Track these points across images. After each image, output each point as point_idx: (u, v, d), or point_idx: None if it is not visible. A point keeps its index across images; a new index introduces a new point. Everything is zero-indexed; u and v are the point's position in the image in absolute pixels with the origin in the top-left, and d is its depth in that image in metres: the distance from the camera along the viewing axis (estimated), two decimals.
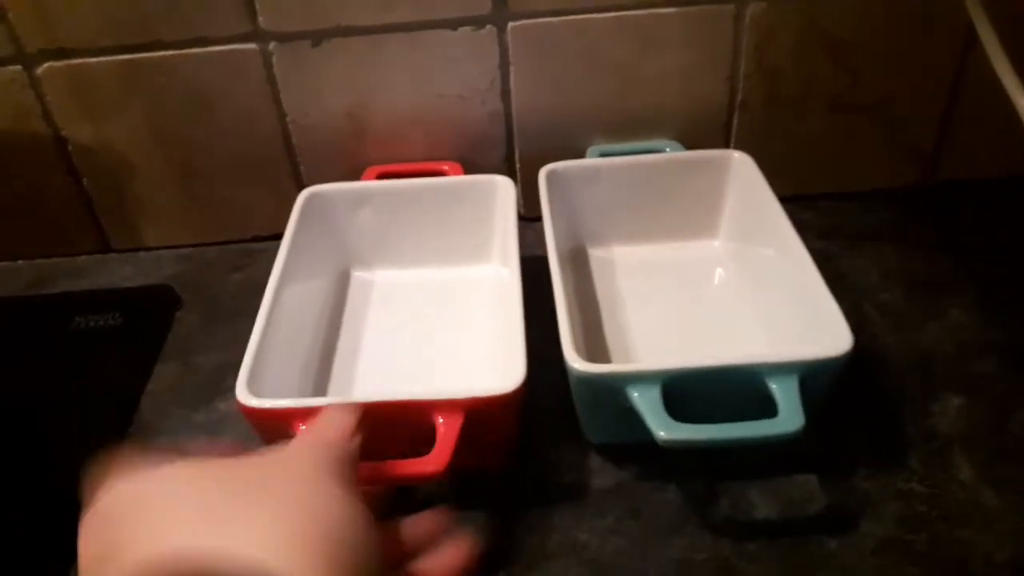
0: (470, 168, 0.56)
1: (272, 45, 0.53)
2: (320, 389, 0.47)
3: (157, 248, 0.62)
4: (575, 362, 0.39)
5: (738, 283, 0.52)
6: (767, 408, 0.37)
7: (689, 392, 0.37)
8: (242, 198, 0.59)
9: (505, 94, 0.55)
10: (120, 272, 0.60)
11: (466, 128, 0.57)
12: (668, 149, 0.56)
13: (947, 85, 0.56)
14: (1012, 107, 0.43)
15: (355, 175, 0.57)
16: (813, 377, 0.38)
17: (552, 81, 0.55)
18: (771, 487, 0.41)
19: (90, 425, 0.48)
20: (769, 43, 0.53)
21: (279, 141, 0.57)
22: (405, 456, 0.36)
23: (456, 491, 0.41)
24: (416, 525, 0.33)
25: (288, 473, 0.29)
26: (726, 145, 0.58)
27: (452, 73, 0.54)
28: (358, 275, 0.55)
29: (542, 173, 0.52)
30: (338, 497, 0.28)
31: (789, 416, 0.36)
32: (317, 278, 0.52)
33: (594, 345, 0.47)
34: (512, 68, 0.54)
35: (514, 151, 0.58)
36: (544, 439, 0.37)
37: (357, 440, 0.32)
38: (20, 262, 0.62)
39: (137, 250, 0.62)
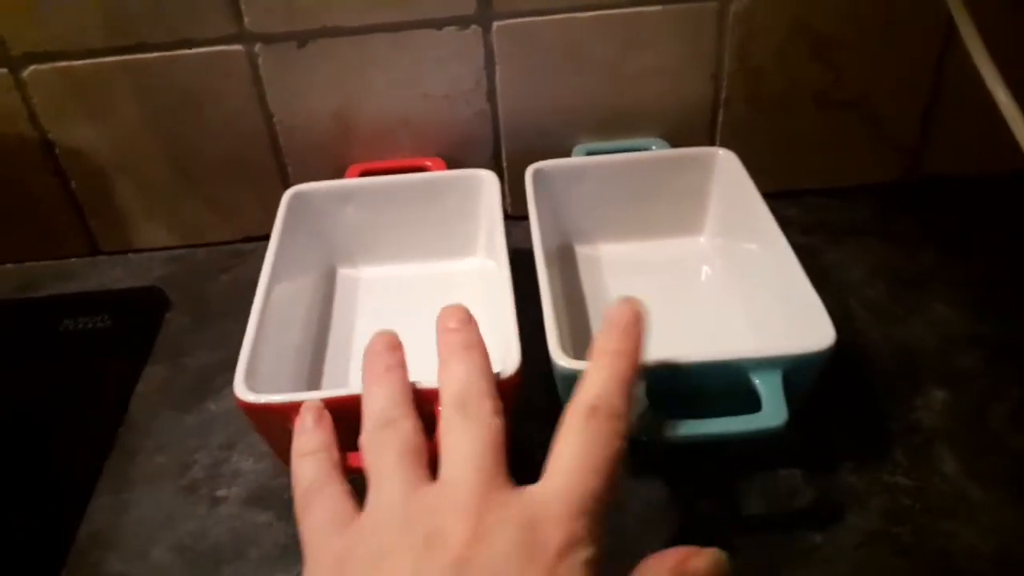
0: (456, 167, 0.56)
1: (258, 46, 0.53)
2: (314, 383, 0.47)
3: (146, 250, 0.62)
4: (560, 359, 0.39)
5: (724, 279, 0.52)
6: (752, 403, 0.37)
7: (673, 388, 0.38)
8: (230, 199, 0.59)
9: (491, 94, 0.55)
10: (109, 274, 0.60)
11: (452, 128, 0.57)
12: (654, 147, 0.56)
13: (928, 81, 0.56)
14: (993, 102, 0.44)
15: (342, 175, 0.57)
16: (797, 372, 0.38)
17: (538, 80, 0.55)
18: (756, 481, 0.42)
19: (80, 427, 0.48)
20: (752, 41, 0.54)
21: (266, 142, 0.57)
22: None
23: None
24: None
25: None
26: (711, 142, 0.58)
27: (438, 73, 0.54)
28: (344, 272, 0.55)
29: (528, 172, 0.52)
30: None
31: (773, 411, 0.36)
32: (304, 276, 0.52)
33: (580, 342, 0.47)
34: (498, 68, 0.54)
35: (501, 150, 0.58)
36: (529, 434, 0.37)
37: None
38: (8, 265, 0.62)
39: (126, 252, 0.62)
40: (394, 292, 0.54)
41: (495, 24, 0.52)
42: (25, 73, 0.53)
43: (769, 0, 0.52)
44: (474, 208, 0.53)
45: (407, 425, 0.34)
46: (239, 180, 0.58)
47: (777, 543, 0.39)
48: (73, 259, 0.62)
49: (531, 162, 0.53)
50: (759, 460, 0.42)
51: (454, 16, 0.52)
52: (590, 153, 0.55)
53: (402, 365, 0.38)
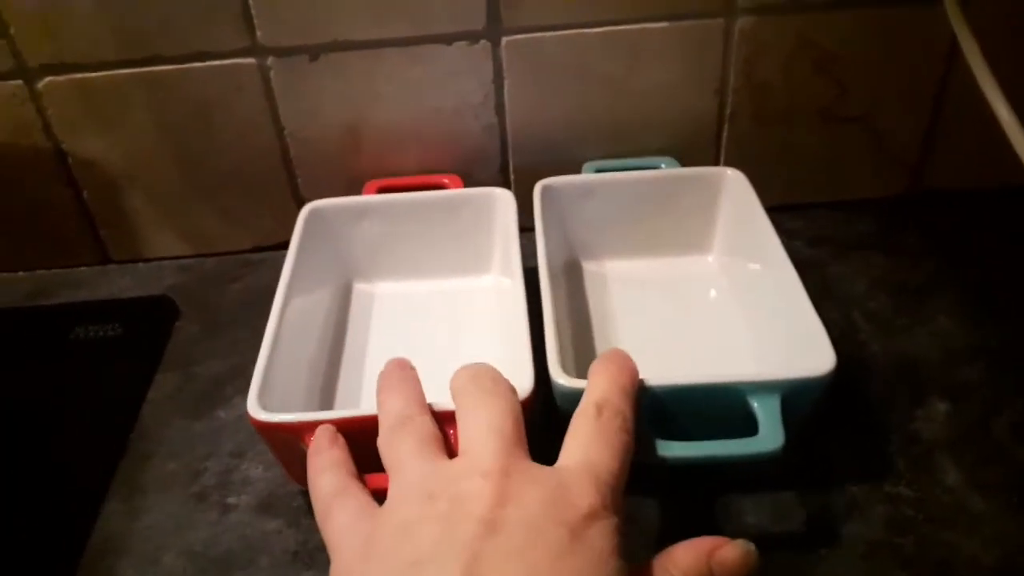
0: (464, 179, 0.57)
1: (270, 60, 0.53)
2: (327, 401, 0.47)
3: (156, 259, 0.62)
4: (560, 377, 0.39)
5: (729, 298, 0.52)
6: (750, 425, 0.37)
7: (670, 408, 0.38)
8: (240, 210, 0.60)
9: (499, 107, 0.56)
10: (119, 283, 0.61)
11: (461, 141, 0.57)
12: (663, 165, 0.56)
13: (931, 97, 0.57)
14: (994, 118, 0.44)
15: (352, 187, 0.57)
16: (795, 396, 0.38)
17: (545, 95, 0.56)
18: (759, 494, 0.42)
19: (92, 434, 0.49)
20: (758, 57, 0.55)
21: (277, 154, 0.58)
22: None
23: None
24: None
25: None
26: (717, 156, 0.59)
27: (447, 87, 0.55)
28: (360, 287, 0.55)
29: (537, 188, 0.52)
30: None
31: (769, 435, 0.36)
32: (320, 291, 0.52)
33: (584, 361, 0.46)
34: (506, 82, 0.55)
35: (508, 163, 0.59)
36: (532, 452, 0.36)
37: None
38: (20, 273, 0.62)
39: (136, 261, 0.62)
40: (409, 308, 0.54)
41: (504, 39, 0.53)
42: (40, 85, 0.54)
43: (774, 17, 0.53)
44: (489, 225, 0.53)
45: (424, 419, 0.35)
46: (249, 191, 0.59)
47: (781, 554, 0.39)
48: (83, 268, 0.62)
49: (538, 174, 0.53)
50: (761, 469, 0.42)
51: (464, 31, 0.53)
52: (600, 170, 0.55)
53: (416, 379, 0.38)
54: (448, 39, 0.53)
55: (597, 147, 0.58)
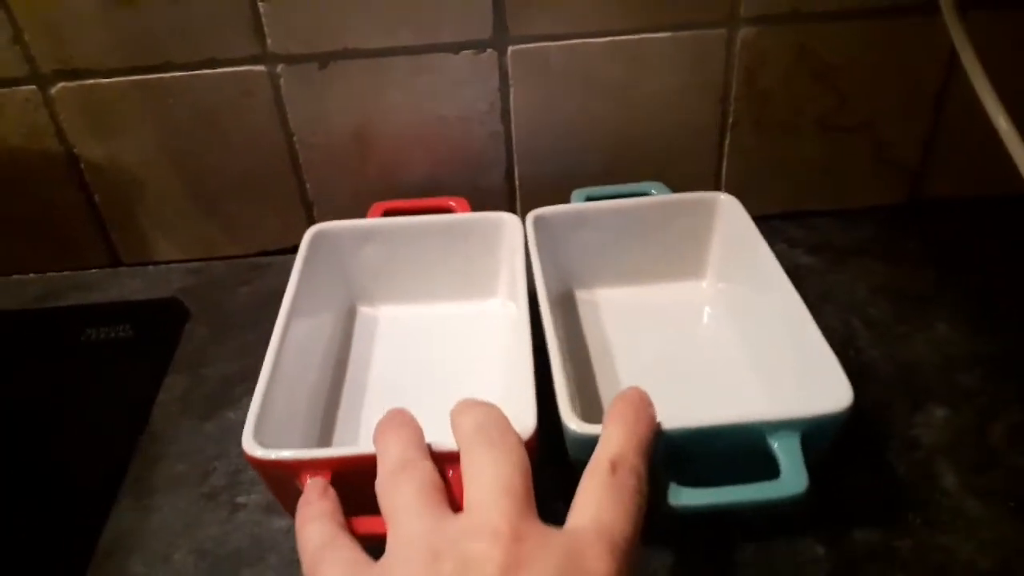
0: (470, 186, 0.57)
1: (280, 67, 0.54)
2: (327, 430, 0.46)
3: (166, 262, 0.63)
4: (572, 422, 0.37)
5: (727, 325, 0.51)
6: (767, 461, 0.36)
7: (686, 451, 0.36)
8: (250, 214, 0.61)
9: (505, 115, 0.57)
10: (130, 285, 0.61)
11: (467, 148, 0.58)
12: (654, 191, 0.55)
13: (931, 106, 0.58)
14: (993, 127, 0.45)
15: (360, 193, 0.58)
16: (815, 434, 0.37)
17: (550, 103, 0.56)
18: None
19: (103, 434, 0.49)
20: (759, 66, 0.55)
21: (286, 159, 0.58)
22: None
23: None
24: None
25: None
26: (719, 165, 0.59)
27: (454, 95, 0.56)
28: (364, 311, 0.55)
29: (529, 219, 0.51)
30: None
31: (792, 478, 0.35)
32: (323, 314, 0.52)
33: (586, 399, 0.46)
34: (512, 90, 0.56)
35: (513, 170, 0.60)
36: (540, 489, 0.36)
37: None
38: (31, 275, 0.63)
39: (146, 264, 0.63)
40: (413, 332, 0.53)
41: (510, 48, 0.54)
42: (53, 90, 0.55)
43: (775, 27, 0.54)
44: (495, 250, 0.52)
45: (425, 465, 0.33)
46: (259, 196, 0.60)
47: (779, 556, 0.39)
48: (94, 270, 0.63)
49: (543, 181, 0.54)
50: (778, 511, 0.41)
51: (471, 40, 0.54)
52: (590, 198, 0.54)
53: (416, 424, 0.36)
54: (455, 48, 0.54)
55: (601, 154, 0.59)
